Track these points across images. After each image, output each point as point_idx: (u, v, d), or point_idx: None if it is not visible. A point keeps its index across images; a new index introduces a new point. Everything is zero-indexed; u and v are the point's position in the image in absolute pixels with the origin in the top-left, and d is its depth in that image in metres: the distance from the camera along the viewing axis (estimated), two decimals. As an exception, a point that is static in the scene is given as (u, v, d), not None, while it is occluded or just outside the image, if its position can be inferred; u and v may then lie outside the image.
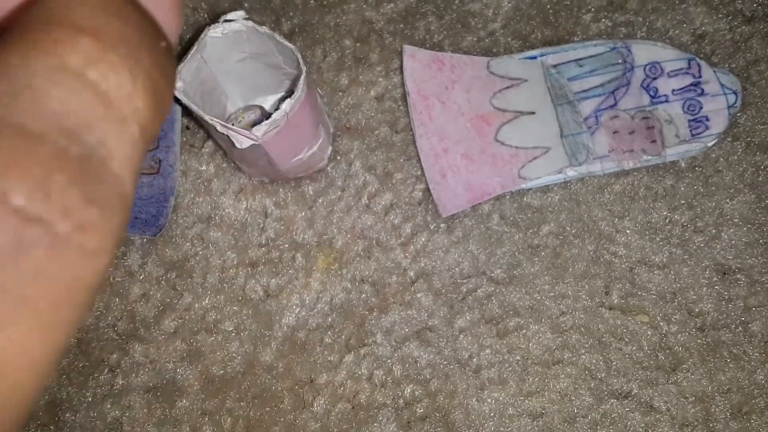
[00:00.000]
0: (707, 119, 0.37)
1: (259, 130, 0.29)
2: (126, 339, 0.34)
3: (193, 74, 0.30)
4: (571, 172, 0.36)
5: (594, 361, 0.34)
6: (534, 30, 0.40)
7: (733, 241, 0.36)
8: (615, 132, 0.37)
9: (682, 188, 0.36)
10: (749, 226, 0.36)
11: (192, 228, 0.36)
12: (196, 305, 0.35)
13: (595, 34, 0.39)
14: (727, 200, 0.36)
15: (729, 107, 0.37)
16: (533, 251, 0.36)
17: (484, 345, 0.35)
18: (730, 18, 0.40)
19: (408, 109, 0.37)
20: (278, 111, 0.29)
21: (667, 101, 0.37)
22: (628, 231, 0.36)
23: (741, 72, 0.39)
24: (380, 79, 0.39)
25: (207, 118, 0.29)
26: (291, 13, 0.41)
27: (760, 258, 0.35)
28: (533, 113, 0.37)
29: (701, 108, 0.37)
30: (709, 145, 0.37)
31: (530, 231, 0.36)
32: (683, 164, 0.37)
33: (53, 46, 0.11)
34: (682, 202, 0.36)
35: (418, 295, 0.35)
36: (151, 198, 0.35)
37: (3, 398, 0.10)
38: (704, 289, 0.35)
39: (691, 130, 0.37)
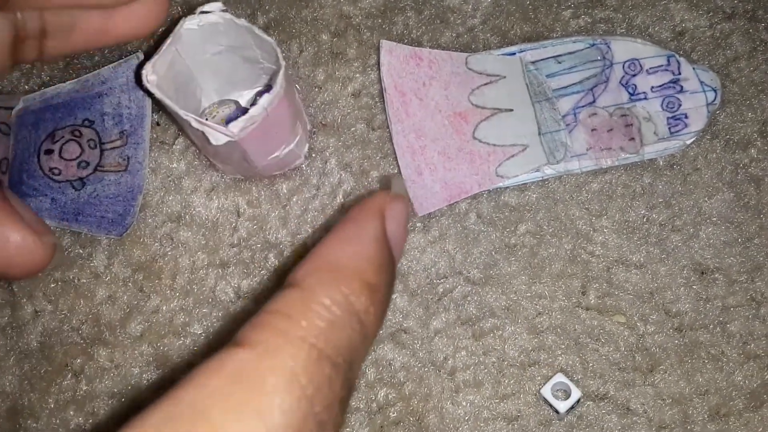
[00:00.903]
0: (686, 117, 0.36)
1: (235, 126, 0.28)
2: (90, 343, 0.33)
3: (167, 67, 0.30)
4: (548, 170, 0.36)
5: (570, 362, 0.33)
6: (513, 26, 0.39)
7: (711, 240, 0.35)
8: (593, 129, 0.36)
9: (660, 187, 0.36)
10: (727, 225, 0.35)
11: (161, 227, 0.36)
12: (164, 308, 0.34)
13: (574, 30, 0.39)
14: (706, 199, 0.36)
15: (708, 105, 0.37)
16: (510, 251, 0.35)
17: (459, 347, 0.34)
18: (710, 14, 0.40)
19: (385, 106, 0.36)
20: (256, 106, 0.28)
21: (645, 98, 0.37)
22: (605, 230, 0.35)
23: (721, 69, 0.38)
24: (357, 75, 0.38)
25: (181, 113, 0.28)
26: (267, 7, 0.40)
27: (738, 257, 0.35)
28: (511, 110, 0.37)
29: (680, 105, 0.36)
30: (688, 142, 0.36)
31: (507, 230, 0.36)
32: (661, 162, 0.36)
33: (345, 285, 0.18)
34: (660, 200, 0.36)
35: (393, 296, 0.35)
36: (118, 196, 0.34)
37: None
38: (682, 288, 0.34)
39: (669, 128, 0.36)
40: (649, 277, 0.35)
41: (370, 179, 0.37)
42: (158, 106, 0.35)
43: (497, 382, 0.33)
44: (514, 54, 0.37)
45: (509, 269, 0.35)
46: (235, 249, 0.35)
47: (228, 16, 0.30)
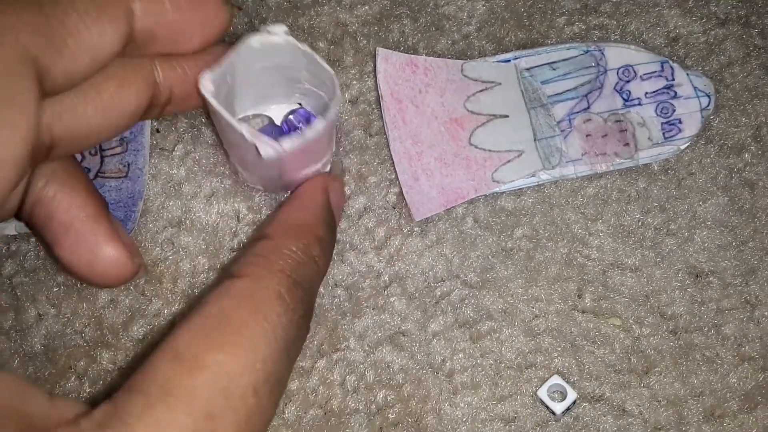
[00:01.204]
0: (680, 122, 0.37)
1: (288, 143, 0.28)
2: (93, 346, 0.34)
3: (220, 79, 0.30)
4: (544, 176, 0.36)
5: (566, 364, 0.34)
6: (508, 33, 0.39)
7: (706, 244, 0.36)
8: (588, 135, 0.37)
9: (655, 191, 0.36)
10: (722, 228, 0.36)
11: (162, 232, 0.36)
12: (166, 311, 0.35)
13: (569, 37, 0.39)
14: (700, 203, 0.36)
15: (702, 110, 0.37)
16: (507, 254, 0.36)
17: (457, 349, 0.34)
18: (704, 20, 0.40)
19: (381, 113, 0.37)
20: (311, 130, 0.29)
21: (640, 104, 0.37)
22: (601, 234, 0.36)
23: (714, 75, 0.39)
24: (354, 82, 0.39)
25: (235, 124, 0.28)
26: (264, 15, 0.40)
27: (732, 261, 0.35)
28: (507, 116, 0.37)
29: (674, 111, 0.37)
30: (682, 147, 0.37)
31: (504, 234, 0.36)
32: (656, 167, 0.37)
33: (304, 240, 0.28)
34: (655, 204, 0.36)
35: (392, 299, 0.35)
36: (119, 202, 0.35)
37: None
38: (677, 292, 0.35)
39: (663, 133, 0.37)
40: (645, 280, 0.35)
41: (367, 184, 0.37)
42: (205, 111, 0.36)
43: (494, 383, 0.34)
44: (509, 61, 0.38)
45: (506, 273, 0.35)
46: (235, 253, 0.36)
47: (292, 40, 0.30)
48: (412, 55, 0.37)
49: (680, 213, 0.36)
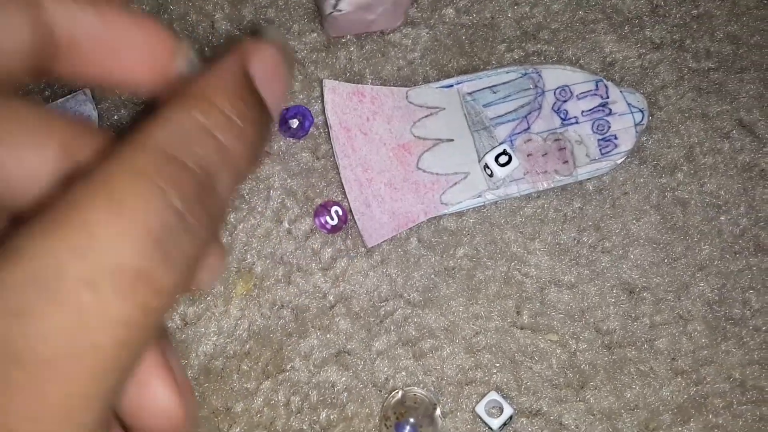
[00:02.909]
0: (616, 138, 0.38)
1: None
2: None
3: None
4: (489, 196, 0.37)
5: (505, 380, 0.35)
6: (451, 60, 0.41)
7: (639, 261, 0.37)
8: (529, 155, 0.38)
9: (590, 210, 0.38)
10: (654, 245, 0.37)
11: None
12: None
13: (509, 63, 0.41)
14: (634, 221, 0.38)
15: (636, 125, 0.38)
16: (448, 273, 0.37)
17: (400, 367, 0.35)
18: (638, 45, 0.42)
19: (330, 141, 0.38)
20: None
21: (577, 122, 0.39)
22: (538, 252, 0.37)
23: (649, 97, 0.40)
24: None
25: None
26: (214, 41, 0.41)
27: (665, 277, 0.37)
28: (452, 140, 0.38)
29: (609, 127, 0.38)
30: (618, 162, 0.38)
31: (446, 254, 0.37)
32: (591, 187, 0.38)
33: (193, 107, 0.18)
34: (590, 223, 0.37)
35: (337, 319, 0.36)
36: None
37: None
38: (611, 307, 0.36)
39: (600, 149, 0.38)
40: (580, 296, 0.36)
41: (314, 206, 0.38)
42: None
43: (436, 400, 0.35)
44: (452, 86, 0.39)
45: (448, 291, 0.36)
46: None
47: None
48: (359, 85, 0.38)
49: (614, 231, 0.37)
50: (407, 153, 0.38)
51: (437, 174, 0.38)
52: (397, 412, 0.33)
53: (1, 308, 0.15)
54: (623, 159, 0.38)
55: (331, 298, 0.36)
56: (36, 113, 0.20)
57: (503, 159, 0.36)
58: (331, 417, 0.34)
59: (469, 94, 0.39)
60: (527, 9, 0.42)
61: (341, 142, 0.38)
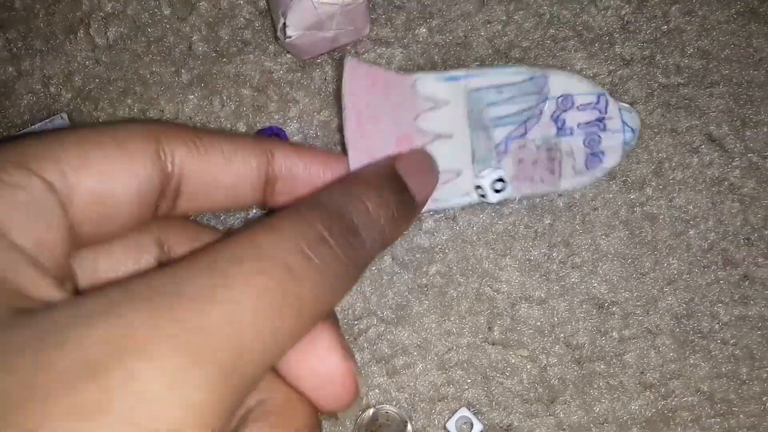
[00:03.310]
0: (603, 153, 0.38)
1: None
2: None
3: None
4: (475, 196, 0.36)
5: (477, 395, 0.35)
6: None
7: (608, 276, 0.37)
8: (520, 160, 0.38)
9: (560, 226, 0.38)
10: (623, 260, 0.38)
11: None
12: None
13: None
14: (603, 237, 0.38)
15: (624, 144, 0.39)
16: (421, 291, 0.38)
17: (373, 384, 0.36)
18: (608, 63, 0.42)
19: (343, 126, 0.34)
20: None
21: (571, 134, 0.38)
22: (509, 268, 0.38)
23: (618, 114, 0.41)
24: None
25: None
26: (191, 64, 0.42)
27: (633, 291, 0.37)
28: (450, 136, 0.37)
29: (600, 143, 0.38)
30: (599, 176, 0.38)
31: (419, 271, 0.38)
32: (561, 203, 0.39)
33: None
34: (560, 239, 0.38)
35: (312, 337, 0.37)
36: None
37: None
38: (581, 322, 0.37)
39: (586, 163, 0.38)
40: (550, 312, 0.37)
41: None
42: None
43: (409, 417, 0.35)
44: (459, 80, 0.37)
45: (420, 309, 0.37)
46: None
47: None
48: (374, 66, 0.36)
49: (584, 247, 0.38)
50: (408, 145, 0.36)
51: None
52: (369, 430, 0.34)
53: None
54: (604, 174, 0.38)
55: (306, 316, 0.37)
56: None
57: (499, 185, 0.36)
58: (306, 434, 0.35)
59: (476, 90, 0.38)
60: (499, 27, 0.43)
61: (353, 126, 0.34)
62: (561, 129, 0.39)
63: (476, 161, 0.37)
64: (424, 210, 0.34)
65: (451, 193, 0.36)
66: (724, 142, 0.41)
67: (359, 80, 0.36)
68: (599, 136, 0.39)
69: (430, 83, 0.37)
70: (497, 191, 0.36)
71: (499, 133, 0.38)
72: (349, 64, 0.35)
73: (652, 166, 0.40)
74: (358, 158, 0.34)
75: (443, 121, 0.37)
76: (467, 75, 0.38)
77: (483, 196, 0.36)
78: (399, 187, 0.28)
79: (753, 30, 0.44)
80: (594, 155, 0.39)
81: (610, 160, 0.38)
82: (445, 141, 0.37)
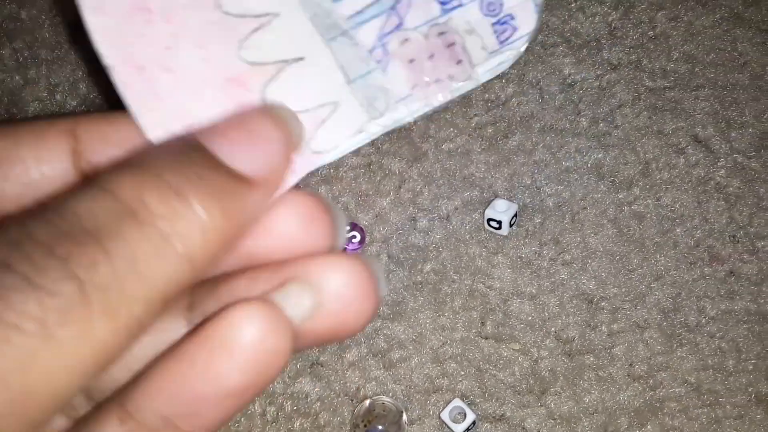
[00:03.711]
0: (512, 18, 0.29)
1: None
2: None
3: None
4: (374, 128, 0.25)
5: (470, 387, 0.37)
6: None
7: (597, 273, 0.39)
8: (411, 61, 0.27)
9: (550, 225, 0.40)
10: (611, 258, 0.39)
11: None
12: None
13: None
14: (592, 235, 0.40)
15: None
16: (416, 288, 0.39)
17: (370, 377, 0.37)
18: (596, 67, 0.44)
19: (117, 91, 0.22)
20: None
21: (461, 5, 0.27)
22: (501, 266, 0.39)
23: (606, 116, 0.42)
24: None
25: None
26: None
27: (621, 287, 0.39)
28: (302, 59, 0.25)
29: (502, 5, 0.29)
30: (522, 50, 0.30)
31: (414, 269, 0.39)
32: (551, 203, 0.40)
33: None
34: (550, 237, 0.39)
35: (311, 333, 0.38)
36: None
37: None
38: (571, 317, 0.38)
39: (497, 37, 0.29)
40: (541, 307, 0.38)
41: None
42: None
43: (405, 408, 0.36)
44: None
45: (415, 305, 0.38)
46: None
47: None
48: None
49: (573, 245, 0.39)
50: (242, 88, 0.25)
51: (296, 112, 0.25)
52: (365, 420, 0.35)
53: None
54: (526, 45, 0.30)
55: (305, 312, 0.38)
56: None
57: (514, 219, 0.33)
58: (305, 426, 0.36)
59: None
60: (491, 34, 0.45)
61: (136, 89, 0.23)
62: (446, 3, 0.27)
63: (353, 81, 0.26)
64: (312, 169, 0.24)
65: (335, 135, 0.25)
66: (709, 143, 0.42)
67: (117, 22, 0.23)
68: None
69: None
70: (511, 225, 0.36)
71: (367, 34, 0.26)
72: (88, 4, 0.22)
73: (639, 166, 0.41)
74: (162, 131, 0.24)
75: (280, 41, 0.26)
76: None
77: (498, 228, 0.36)
78: (203, 165, 0.19)
79: (737, 34, 0.46)
80: (502, 23, 0.29)
81: (525, 25, 0.27)
82: (297, 67, 0.26)
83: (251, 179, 0.18)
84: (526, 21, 0.30)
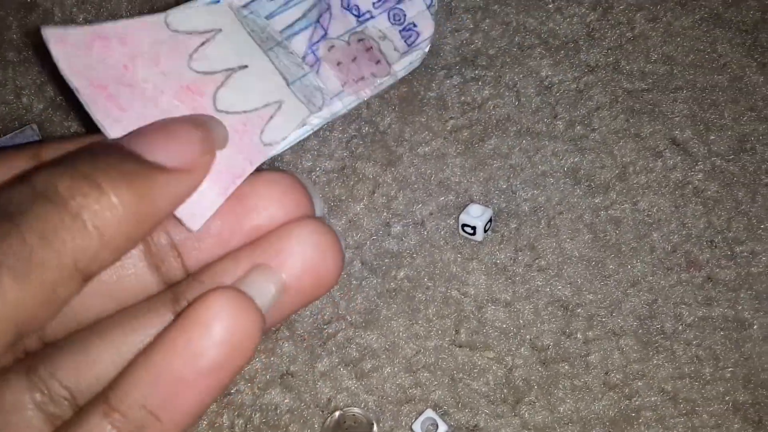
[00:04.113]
0: (414, 25, 0.35)
1: None
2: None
3: None
4: (315, 120, 0.31)
5: (444, 397, 0.36)
6: (391, 89, 0.42)
7: (573, 279, 0.38)
8: (339, 63, 0.33)
9: (526, 230, 0.39)
10: (587, 263, 0.38)
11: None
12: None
13: (448, 88, 0.42)
14: (568, 240, 0.39)
15: (428, 7, 0.36)
16: (390, 295, 0.38)
17: (342, 388, 0.36)
18: (573, 69, 0.43)
19: (88, 112, 0.27)
20: None
21: (372, 17, 0.35)
22: (476, 272, 0.38)
23: (583, 119, 0.42)
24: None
25: None
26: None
27: (597, 293, 0.38)
28: (246, 66, 0.31)
29: (405, 15, 0.35)
30: (426, 51, 0.35)
31: (387, 276, 0.38)
32: (526, 208, 0.39)
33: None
34: (525, 243, 0.39)
35: (281, 342, 0.37)
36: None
37: None
38: (546, 324, 0.37)
39: (405, 41, 0.35)
40: (516, 314, 0.37)
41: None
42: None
43: (376, 419, 0.36)
44: (219, 1, 0.31)
45: (388, 312, 0.38)
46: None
47: None
48: (95, 26, 0.28)
49: (549, 250, 0.39)
50: (197, 95, 0.29)
51: (245, 112, 0.30)
52: (335, 432, 0.35)
53: None
54: (429, 46, 0.35)
55: (275, 321, 0.37)
56: None
57: (488, 225, 0.37)
58: (274, 438, 0.35)
59: (244, 6, 0.32)
60: (467, 35, 0.44)
61: (101, 105, 0.27)
62: (360, 15, 0.35)
63: (292, 83, 0.31)
64: (266, 159, 0.29)
65: (282, 128, 0.30)
66: (687, 146, 0.42)
67: (78, 50, 0.28)
68: (401, 9, 0.36)
69: (185, 16, 0.30)
70: (486, 231, 0.37)
71: (299, 44, 0.33)
72: (53, 37, 0.27)
73: (616, 170, 0.41)
74: (120, 136, 0.27)
75: (226, 52, 0.31)
76: None
77: (472, 234, 0.37)
78: (118, 158, 0.21)
79: (717, 35, 0.45)
80: (407, 30, 0.35)
81: (425, 30, 0.35)
82: (243, 74, 0.31)
83: (167, 168, 0.21)
84: (426, 27, 0.36)
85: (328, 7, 0.34)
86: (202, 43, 0.30)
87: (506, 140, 0.41)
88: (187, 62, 0.30)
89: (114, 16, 0.44)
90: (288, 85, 0.31)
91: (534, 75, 0.43)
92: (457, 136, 0.41)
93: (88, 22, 0.44)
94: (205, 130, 0.24)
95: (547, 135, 0.41)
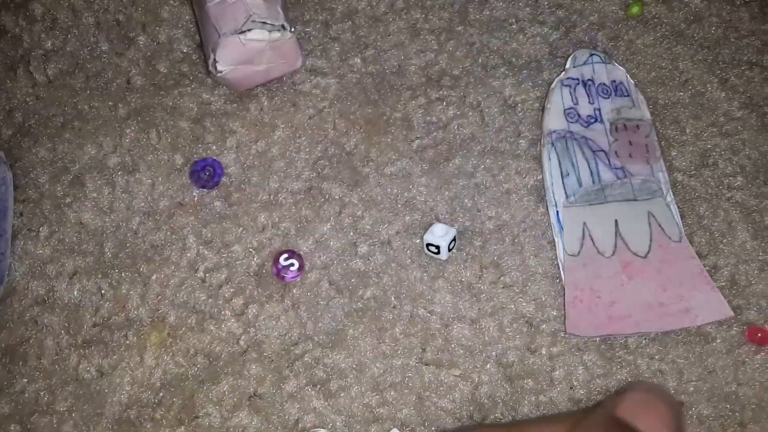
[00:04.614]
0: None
1: None
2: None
3: None
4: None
5: (410, 415, 0.36)
6: (358, 107, 0.43)
7: (537, 295, 0.39)
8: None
9: (490, 248, 0.39)
10: (550, 279, 0.39)
11: (27, 312, 0.38)
12: (30, 388, 0.36)
13: (413, 108, 0.43)
14: (532, 257, 0.39)
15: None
16: (357, 314, 0.38)
17: (309, 408, 0.36)
18: (536, 88, 0.44)
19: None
20: None
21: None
22: (442, 290, 0.39)
23: (547, 137, 0.42)
24: (216, 157, 0.42)
25: None
26: (129, 98, 0.43)
27: (561, 309, 0.38)
28: None
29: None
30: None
31: (355, 296, 0.39)
32: (491, 226, 0.40)
33: None
34: (490, 260, 0.39)
35: (249, 364, 0.37)
36: (-21, 286, 0.36)
37: None
38: (511, 341, 0.38)
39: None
40: (481, 331, 0.38)
41: (230, 252, 0.39)
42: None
43: (344, 440, 0.36)
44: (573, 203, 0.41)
45: (355, 332, 0.38)
46: (96, 329, 0.38)
47: None
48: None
49: (513, 267, 0.39)
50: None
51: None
52: (301, 453, 0.35)
53: None
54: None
55: (242, 343, 0.38)
56: None
57: (452, 244, 0.39)
58: (241, 461, 0.35)
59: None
60: (432, 56, 0.45)
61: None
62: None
63: None
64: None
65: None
66: (649, 162, 0.43)
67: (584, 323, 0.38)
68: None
69: None
70: (450, 249, 0.38)
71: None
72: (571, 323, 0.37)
73: (579, 186, 0.41)
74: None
75: None
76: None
77: (437, 253, 0.38)
78: None
79: (679, 52, 0.46)
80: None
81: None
82: None
83: None
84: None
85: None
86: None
87: (471, 159, 0.42)
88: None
89: (82, 42, 0.45)
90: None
91: (498, 94, 0.43)
92: (423, 155, 0.42)
93: (59, 49, 0.45)
94: None
95: (511, 153, 0.42)
